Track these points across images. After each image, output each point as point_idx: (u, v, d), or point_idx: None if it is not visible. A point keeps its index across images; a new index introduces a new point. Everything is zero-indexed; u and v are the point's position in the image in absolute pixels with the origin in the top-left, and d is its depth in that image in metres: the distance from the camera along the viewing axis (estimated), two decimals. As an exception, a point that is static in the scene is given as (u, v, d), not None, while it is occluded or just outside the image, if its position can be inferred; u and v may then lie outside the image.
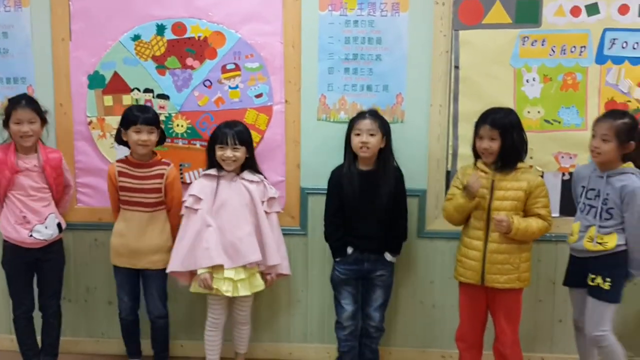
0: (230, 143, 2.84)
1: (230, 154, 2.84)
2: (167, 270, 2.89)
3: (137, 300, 3.06)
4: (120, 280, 3.02)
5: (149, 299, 3.00)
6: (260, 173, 2.98)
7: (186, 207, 2.87)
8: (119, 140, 2.96)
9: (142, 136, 2.87)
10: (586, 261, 2.68)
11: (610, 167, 2.64)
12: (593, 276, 2.64)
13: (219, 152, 2.85)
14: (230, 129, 2.86)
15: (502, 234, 2.64)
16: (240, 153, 2.87)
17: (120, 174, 2.93)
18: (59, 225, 2.93)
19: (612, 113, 2.69)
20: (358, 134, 2.83)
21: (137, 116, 2.87)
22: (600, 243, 2.62)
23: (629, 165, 2.63)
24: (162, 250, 2.93)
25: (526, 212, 2.67)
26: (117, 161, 2.99)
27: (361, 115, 2.89)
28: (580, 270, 2.71)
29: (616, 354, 2.66)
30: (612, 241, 2.60)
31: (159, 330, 3.06)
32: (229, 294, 2.83)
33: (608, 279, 2.60)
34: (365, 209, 2.84)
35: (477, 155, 2.77)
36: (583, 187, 2.75)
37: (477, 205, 2.70)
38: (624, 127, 2.59)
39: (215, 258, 2.79)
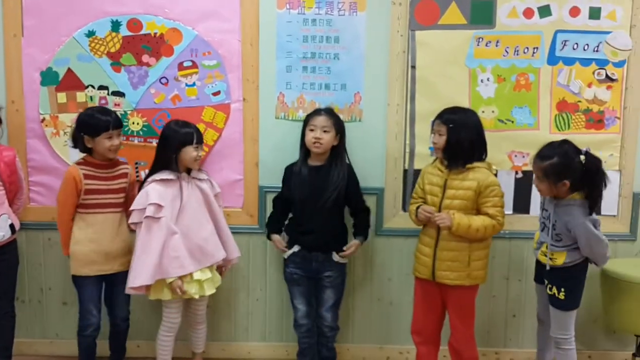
0: (202, 142, 2.85)
1: (201, 152, 2.85)
2: (138, 284, 2.72)
3: (100, 312, 2.91)
4: (91, 291, 2.84)
5: (117, 302, 2.93)
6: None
7: (147, 216, 2.72)
8: (83, 147, 2.80)
9: (114, 141, 2.79)
10: (544, 268, 2.76)
11: (559, 196, 2.66)
12: (550, 285, 2.71)
13: (193, 153, 2.79)
14: (194, 127, 2.83)
15: (450, 232, 2.67)
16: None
17: (87, 176, 2.80)
18: (11, 226, 2.84)
19: (545, 151, 2.62)
20: (312, 130, 2.85)
21: (108, 121, 2.75)
22: (551, 259, 2.69)
23: (574, 196, 2.62)
24: (130, 251, 2.86)
25: (478, 212, 2.70)
26: (78, 164, 2.83)
27: (317, 111, 2.92)
28: (543, 273, 2.79)
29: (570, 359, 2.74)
30: (561, 258, 2.67)
31: (122, 333, 3.02)
32: (196, 296, 2.81)
33: (562, 290, 2.67)
34: (313, 203, 2.86)
35: None
36: (541, 202, 2.81)
37: (430, 203, 2.75)
38: (550, 168, 2.57)
39: (187, 267, 2.75)
